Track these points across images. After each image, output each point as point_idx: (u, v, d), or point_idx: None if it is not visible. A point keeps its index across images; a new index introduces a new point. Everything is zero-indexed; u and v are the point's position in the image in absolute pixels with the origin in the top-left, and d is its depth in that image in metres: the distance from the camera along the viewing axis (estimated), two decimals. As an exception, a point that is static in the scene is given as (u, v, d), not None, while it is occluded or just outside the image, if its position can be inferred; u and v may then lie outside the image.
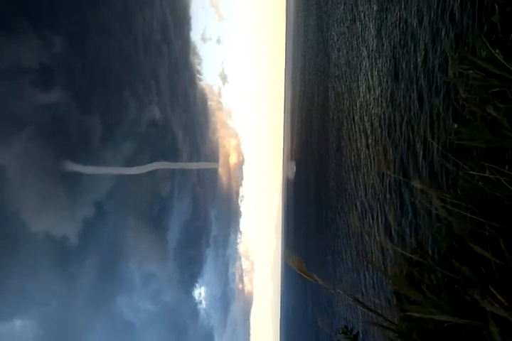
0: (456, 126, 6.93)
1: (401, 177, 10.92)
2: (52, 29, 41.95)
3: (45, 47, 41.25)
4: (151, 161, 63.65)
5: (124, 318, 64.76)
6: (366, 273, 14.61)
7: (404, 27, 10.90)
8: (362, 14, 16.75)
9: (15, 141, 39.17)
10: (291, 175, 66.30)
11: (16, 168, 39.71)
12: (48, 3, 41.81)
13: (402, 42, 11.10)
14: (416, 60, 9.93)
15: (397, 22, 11.53)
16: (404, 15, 10.90)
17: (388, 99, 12.33)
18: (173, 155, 72.02)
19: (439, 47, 8.61)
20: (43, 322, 48.60)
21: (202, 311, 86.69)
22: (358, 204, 16.30)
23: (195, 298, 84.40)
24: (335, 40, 25.39)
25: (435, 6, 8.73)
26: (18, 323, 48.03)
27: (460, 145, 6.91)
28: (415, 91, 9.94)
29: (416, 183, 4.29)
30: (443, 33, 8.27)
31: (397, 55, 11.48)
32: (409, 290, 3.36)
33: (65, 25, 44.17)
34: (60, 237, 46.29)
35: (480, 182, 3.52)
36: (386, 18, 12.78)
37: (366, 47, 15.59)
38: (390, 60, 12.29)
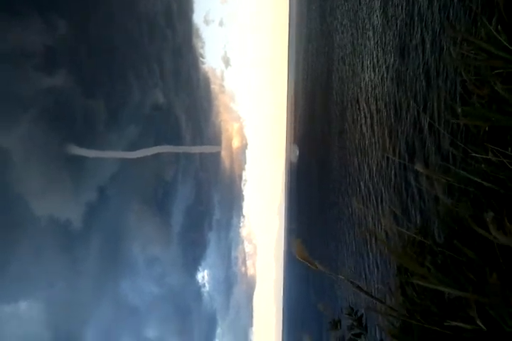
0: (460, 108, 6.92)
1: (405, 162, 10.92)
2: (57, 12, 41.66)
3: (50, 30, 41.04)
4: (155, 145, 63.67)
5: (128, 301, 65.47)
6: (369, 256, 14.70)
7: (411, 4, 10.78)
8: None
9: (19, 124, 39.21)
10: (294, 159, 66.24)
11: (20, 150, 39.83)
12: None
13: (408, 21, 10.98)
14: (423, 39, 9.84)
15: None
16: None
17: (394, 80, 12.26)
18: (176, 139, 71.93)
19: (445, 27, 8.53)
20: (48, 304, 49.17)
21: (205, 294, 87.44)
22: (362, 187, 16.33)
23: (198, 281, 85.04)
24: (339, 20, 25.15)
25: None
26: (23, 305, 48.61)
27: (464, 128, 6.92)
28: (422, 72, 9.87)
29: (419, 167, 4.34)
30: (451, 11, 8.18)
31: (404, 35, 11.38)
32: (413, 263, 3.38)
33: (69, 8, 43.84)
34: (64, 220, 46.57)
35: (483, 165, 3.52)
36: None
37: (372, 26, 15.44)
38: (396, 40, 12.19)
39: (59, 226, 45.94)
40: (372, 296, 3.79)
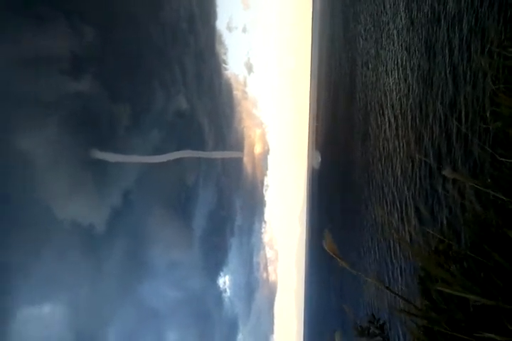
0: (488, 113, 6.80)
1: (431, 166, 10.75)
2: (83, 18, 42.42)
3: (76, 36, 41.84)
4: (177, 150, 64.04)
5: (150, 304, 65.67)
6: (393, 263, 14.47)
7: (437, 6, 10.63)
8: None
9: (44, 128, 39.81)
10: (316, 165, 65.96)
11: (45, 154, 40.39)
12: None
13: (435, 24, 10.82)
14: (450, 42, 9.68)
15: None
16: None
17: (420, 83, 12.09)
18: (198, 144, 72.32)
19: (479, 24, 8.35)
20: (72, 307, 49.54)
21: (226, 299, 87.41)
22: (386, 192, 16.10)
23: (219, 286, 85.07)
24: (363, 24, 25.00)
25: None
26: (47, 307, 49.10)
27: (493, 133, 6.76)
28: (450, 75, 9.70)
29: (447, 172, 4.24)
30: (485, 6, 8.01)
31: (430, 38, 11.22)
32: (438, 268, 3.36)
33: (94, 14, 44.56)
34: (87, 224, 47.06)
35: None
36: None
37: (396, 30, 15.29)
38: (421, 43, 12.03)
39: (82, 229, 46.43)
40: (399, 295, 3.77)
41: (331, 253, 3.81)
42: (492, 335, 2.76)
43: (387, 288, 3.83)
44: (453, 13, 9.53)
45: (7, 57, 35.51)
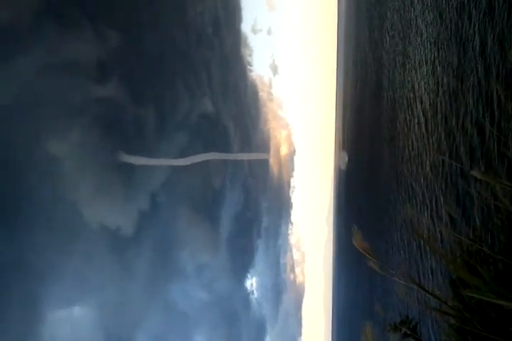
0: None
1: (464, 166, 10.52)
2: (108, 23, 43.02)
3: (100, 40, 42.40)
4: (204, 153, 64.40)
5: (178, 306, 66.01)
6: (424, 263, 14.21)
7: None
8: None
9: (72, 132, 40.47)
10: (343, 166, 65.47)
11: (73, 158, 41.00)
12: (103, -3, 43.00)
13: (465, 16, 10.54)
14: (482, 35, 9.40)
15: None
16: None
17: (451, 81, 11.81)
18: (224, 146, 72.52)
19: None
20: (101, 309, 50.11)
21: (254, 301, 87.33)
22: (416, 192, 15.84)
23: (247, 288, 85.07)
24: (389, 22, 24.70)
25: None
26: (76, 309, 49.77)
27: None
28: (481, 71, 9.45)
29: (476, 173, 4.28)
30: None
31: (460, 31, 10.94)
32: (468, 275, 3.29)
33: (119, 19, 45.13)
34: (115, 227, 47.52)
35: None
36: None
37: (424, 25, 15.01)
38: (452, 38, 11.75)
39: (110, 232, 46.92)
40: (432, 294, 3.82)
41: (361, 250, 3.79)
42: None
43: (419, 285, 3.80)
44: (483, 7, 9.27)
45: (35, 64, 36.24)
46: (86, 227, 43.67)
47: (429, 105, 13.93)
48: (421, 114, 15.20)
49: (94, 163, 43.90)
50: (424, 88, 14.71)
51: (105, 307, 50.33)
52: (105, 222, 45.75)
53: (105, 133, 44.60)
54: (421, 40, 15.56)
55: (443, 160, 12.35)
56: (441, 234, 10.94)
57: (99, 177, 44.48)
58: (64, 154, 40.40)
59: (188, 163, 60.54)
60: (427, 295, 3.84)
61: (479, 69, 9.46)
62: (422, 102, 15.09)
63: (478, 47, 9.61)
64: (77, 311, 49.91)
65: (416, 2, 16.84)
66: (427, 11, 14.60)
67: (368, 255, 3.78)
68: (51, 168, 39.32)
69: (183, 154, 59.93)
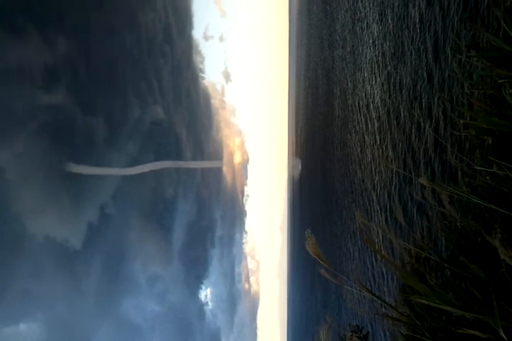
0: (461, 121, 6.74)
1: (409, 174, 10.63)
2: (56, 29, 41.85)
3: (49, 47, 41.15)
4: (155, 161, 63.47)
5: (131, 320, 64.82)
6: (374, 270, 14.20)
7: (409, 11, 10.39)
8: (365, 1, 16.31)
9: (16, 142, 38.92)
10: (297, 173, 65.88)
11: (17, 169, 39.46)
12: (51, 2, 41.61)
13: (411, 27, 10.57)
14: (425, 46, 9.43)
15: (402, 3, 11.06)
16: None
17: (397, 89, 11.85)
18: (176, 154, 71.93)
19: (448, 29, 8.10)
20: (49, 325, 48.53)
21: (208, 312, 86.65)
22: (365, 200, 15.87)
23: (201, 299, 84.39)
24: (339, 32, 24.94)
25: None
26: (23, 326, 47.96)
27: (465, 141, 6.71)
28: (426, 79, 9.49)
29: (422, 180, 4.23)
30: (452, 10, 7.75)
31: (404, 42, 10.98)
32: (417, 282, 3.33)
33: (68, 25, 44.04)
34: (63, 239, 46.20)
35: (487, 177, 3.49)
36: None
37: (371, 35, 15.10)
38: (396, 47, 11.81)
39: (57, 245, 45.48)
40: (382, 300, 3.80)
41: (312, 254, 3.83)
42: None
43: (369, 291, 3.76)
44: (423, 18, 9.29)
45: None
46: (31, 240, 42.08)
47: (377, 114, 13.99)
48: (369, 122, 15.27)
49: (40, 172, 42.30)
50: (373, 97, 14.77)
51: (53, 323, 48.75)
52: (51, 235, 44.23)
53: (52, 142, 43.24)
54: (369, 50, 15.65)
55: (391, 168, 12.40)
56: (390, 242, 10.87)
57: (44, 188, 42.90)
58: (8, 165, 38.80)
59: (139, 172, 59.39)
60: (379, 302, 3.87)
61: (424, 79, 9.51)
62: (369, 111, 15.17)
63: (419, 58, 9.70)
64: (24, 328, 48.14)
65: (364, 11, 16.98)
66: (374, 24, 14.72)
67: (320, 260, 3.73)
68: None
69: (134, 163, 58.88)
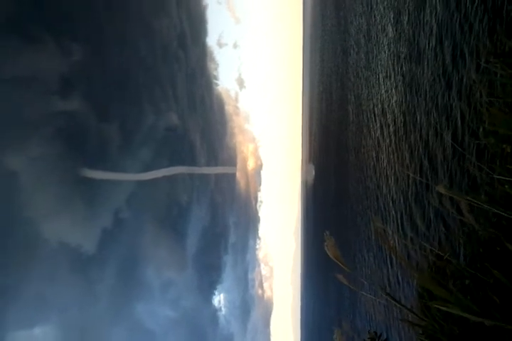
0: (481, 129, 6.64)
1: (426, 181, 10.47)
2: (71, 37, 42.22)
3: (64, 55, 41.53)
4: (169, 167, 63.64)
5: (144, 324, 64.72)
6: (390, 275, 14.04)
7: (425, 14, 10.31)
8: (380, 5, 16.25)
9: (31, 147, 39.27)
10: (310, 179, 65.68)
11: (32, 174, 39.77)
12: (66, 11, 42.07)
13: (427, 31, 10.47)
14: (442, 54, 9.33)
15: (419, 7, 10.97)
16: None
17: (410, 100, 11.76)
18: (190, 160, 72.04)
19: (467, 36, 8.01)
20: (63, 329, 48.67)
21: (222, 318, 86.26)
22: (381, 206, 15.72)
23: (214, 305, 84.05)
24: (353, 37, 24.89)
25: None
26: (37, 330, 48.18)
27: (485, 150, 6.56)
28: (441, 90, 9.38)
29: (440, 189, 4.21)
30: (473, 17, 7.65)
31: (419, 45, 10.89)
32: (436, 287, 3.29)
33: (83, 33, 44.44)
34: (76, 244, 46.30)
35: (506, 186, 3.46)
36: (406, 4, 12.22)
37: (386, 38, 15.04)
38: (412, 51, 11.72)
39: (71, 250, 45.68)
40: (401, 304, 3.72)
41: (332, 257, 3.83)
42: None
43: (388, 295, 3.79)
44: (439, 24, 9.20)
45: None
46: (45, 245, 42.30)
47: (393, 119, 13.87)
48: (384, 127, 15.15)
49: (54, 177, 42.59)
50: (388, 102, 14.67)
51: (67, 327, 48.92)
52: (65, 240, 44.42)
53: (66, 147, 43.52)
54: (384, 54, 15.58)
55: (408, 174, 12.25)
56: (406, 248, 10.78)
57: (59, 193, 43.17)
58: (23, 170, 39.18)
59: (152, 177, 59.58)
60: (396, 306, 3.85)
61: (442, 86, 9.39)
62: (384, 116, 15.05)
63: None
64: (38, 332, 48.42)
65: (379, 18, 16.92)
66: (389, 26, 14.65)
67: (338, 262, 3.69)
68: (9, 185, 38.01)
69: (147, 168, 59.08)
